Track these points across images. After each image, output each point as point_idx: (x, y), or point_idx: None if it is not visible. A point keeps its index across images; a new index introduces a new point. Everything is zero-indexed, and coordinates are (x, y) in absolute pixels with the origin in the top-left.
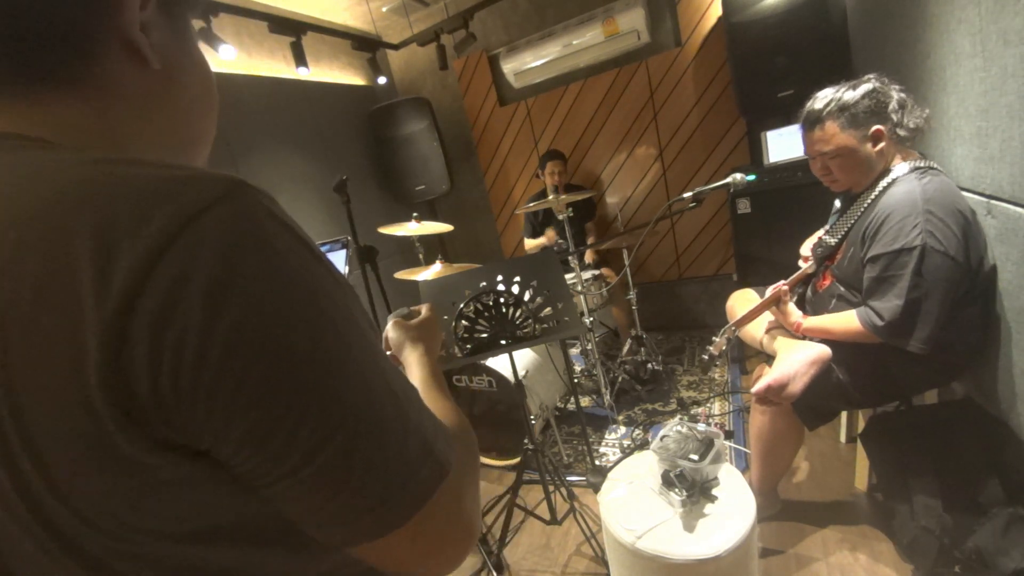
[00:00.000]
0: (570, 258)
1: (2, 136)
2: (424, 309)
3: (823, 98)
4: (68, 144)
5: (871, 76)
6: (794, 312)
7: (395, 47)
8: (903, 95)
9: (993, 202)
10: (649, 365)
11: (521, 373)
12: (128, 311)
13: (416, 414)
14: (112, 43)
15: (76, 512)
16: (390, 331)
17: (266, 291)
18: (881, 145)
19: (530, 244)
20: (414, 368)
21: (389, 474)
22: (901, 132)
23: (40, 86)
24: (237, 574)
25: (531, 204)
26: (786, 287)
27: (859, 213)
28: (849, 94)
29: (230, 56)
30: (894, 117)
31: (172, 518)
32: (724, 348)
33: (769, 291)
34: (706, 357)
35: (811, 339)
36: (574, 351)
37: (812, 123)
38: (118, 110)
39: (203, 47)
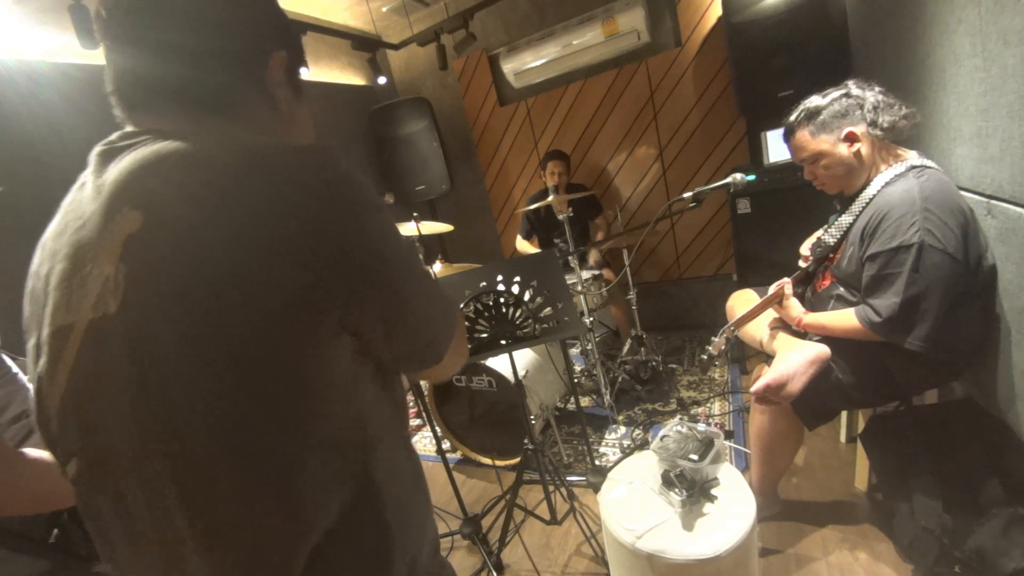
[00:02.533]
0: (570, 259)
1: (180, 130)
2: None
3: (796, 108)
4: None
5: (849, 82)
6: (796, 307)
7: (395, 47)
8: (880, 96)
9: (993, 202)
10: (649, 365)
11: (521, 373)
12: (310, 228)
13: (441, 290)
14: (256, 90)
15: (257, 344)
16: None
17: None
18: (858, 146)
19: (521, 246)
20: None
21: (450, 315)
22: (876, 131)
23: (218, 106)
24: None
25: (531, 204)
26: (789, 282)
27: (857, 213)
28: (817, 101)
29: None
30: (868, 117)
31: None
32: (724, 348)
33: (772, 288)
34: (705, 357)
35: (811, 337)
36: (574, 351)
37: (787, 133)
38: (256, 132)
39: None
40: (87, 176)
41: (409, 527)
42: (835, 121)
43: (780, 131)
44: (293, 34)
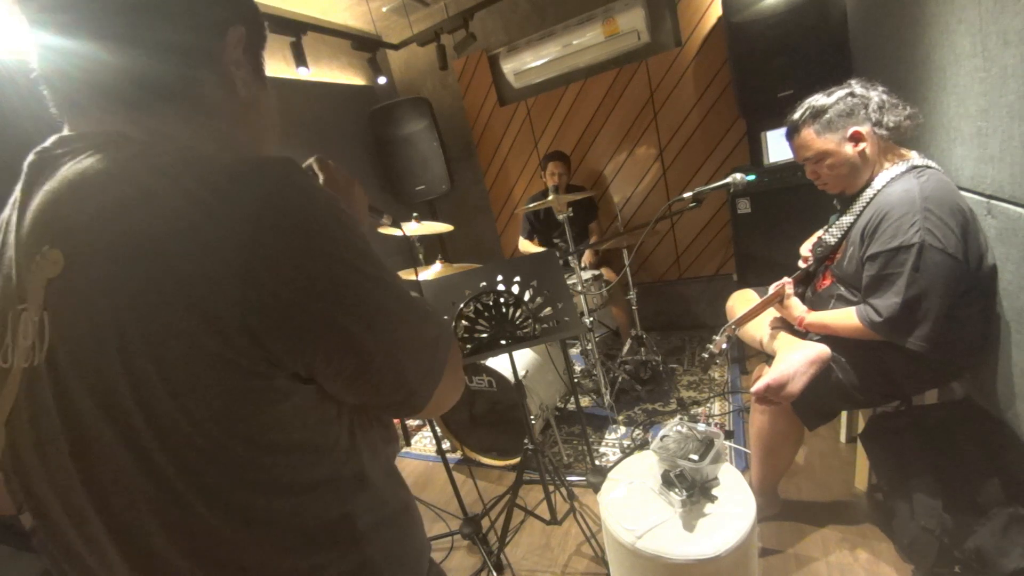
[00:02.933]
0: (570, 259)
1: (116, 134)
2: (318, 166)
3: (801, 107)
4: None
5: (853, 80)
6: (797, 306)
7: (395, 47)
8: (884, 96)
9: (993, 202)
10: (649, 365)
11: (521, 373)
12: (248, 255)
13: (428, 314)
14: (213, 72)
15: (184, 411)
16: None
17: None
18: (863, 146)
19: (524, 246)
20: None
21: (436, 352)
22: (880, 131)
23: (163, 101)
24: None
25: (531, 204)
26: (790, 281)
27: (857, 212)
28: (823, 100)
29: None
30: (873, 117)
31: (260, 424)
32: (724, 347)
33: (772, 288)
34: (705, 356)
35: (812, 336)
36: (574, 351)
37: (791, 132)
38: (207, 126)
39: None
40: (17, 193)
41: (400, 569)
42: (840, 120)
43: (780, 131)
44: (251, 6)
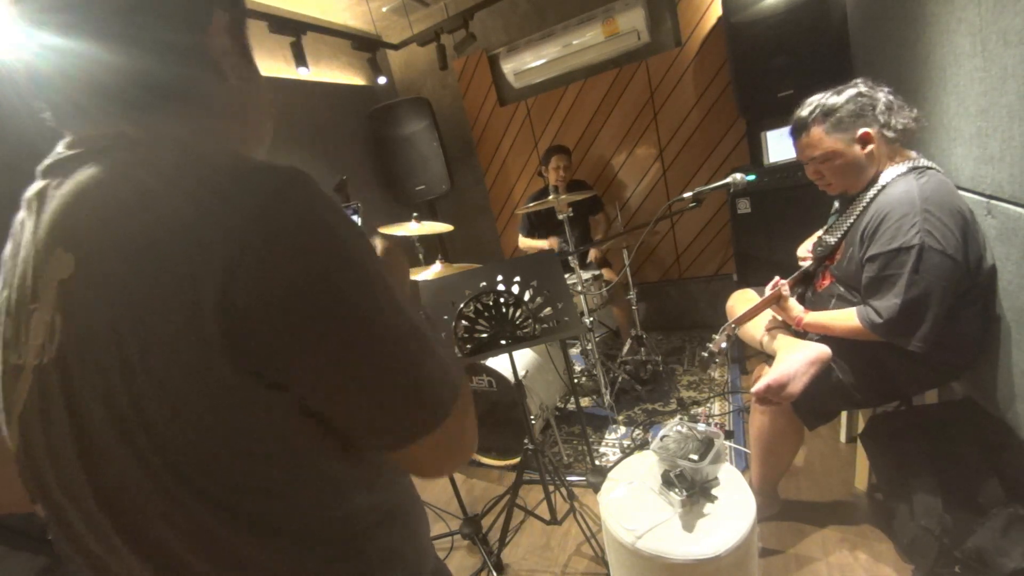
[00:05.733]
0: (570, 259)
1: (119, 136)
2: (380, 242)
3: (809, 104)
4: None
5: (858, 80)
6: (796, 307)
7: (395, 47)
8: (891, 97)
9: (993, 202)
10: (649, 365)
11: (521, 373)
12: (231, 271)
13: (434, 347)
14: (200, 63)
15: (177, 420)
16: None
17: (328, 259)
18: (870, 147)
19: (525, 243)
20: None
21: (422, 396)
22: (888, 133)
23: (149, 98)
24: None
25: (531, 204)
26: (785, 284)
27: (857, 213)
28: (833, 99)
29: None
30: (881, 119)
31: (245, 437)
32: (724, 346)
33: (769, 288)
34: (705, 355)
35: (811, 337)
36: (574, 351)
37: (799, 130)
38: (203, 118)
39: None
40: (31, 197)
41: (404, 568)
42: (851, 120)
43: (780, 131)
44: None
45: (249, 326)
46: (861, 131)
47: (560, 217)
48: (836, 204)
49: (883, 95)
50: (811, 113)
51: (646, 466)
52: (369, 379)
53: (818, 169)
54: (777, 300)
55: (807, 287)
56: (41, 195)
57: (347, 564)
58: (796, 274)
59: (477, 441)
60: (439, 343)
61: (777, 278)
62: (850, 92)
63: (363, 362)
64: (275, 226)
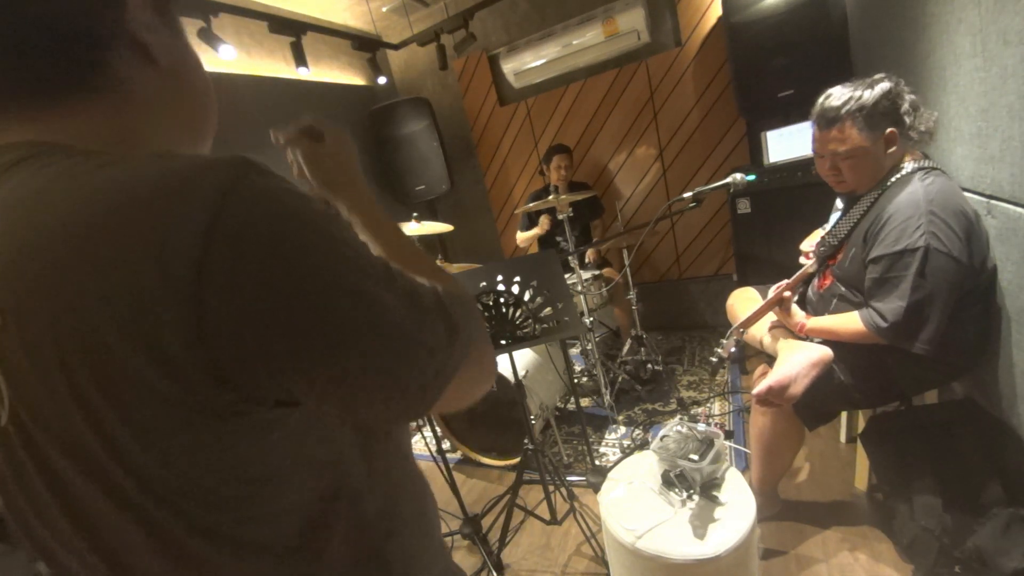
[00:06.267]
0: (570, 258)
1: (25, 146)
2: (316, 123)
3: (840, 96)
4: (92, 149)
5: (883, 75)
6: (797, 313)
7: (395, 47)
8: (914, 97)
9: (993, 202)
10: (649, 365)
11: (521, 373)
12: (196, 281)
13: (429, 321)
14: (122, 46)
15: (163, 463)
16: (307, 166)
17: (293, 249)
18: (893, 148)
19: (522, 237)
20: (368, 216)
21: (432, 363)
22: (913, 135)
23: (63, 95)
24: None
25: (531, 203)
26: (788, 292)
27: (861, 213)
28: (868, 93)
29: (230, 56)
30: (907, 120)
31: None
32: (733, 350)
33: (772, 291)
34: (714, 360)
35: (813, 340)
36: (574, 351)
37: (830, 121)
38: (132, 112)
39: (204, 47)
40: None
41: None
42: (881, 119)
43: (778, 131)
44: None
45: (238, 348)
46: (888, 130)
47: (560, 217)
48: (837, 203)
49: (908, 95)
50: (844, 105)
51: (646, 466)
52: (383, 358)
53: (837, 165)
54: (780, 303)
55: (808, 287)
56: None
57: (363, 566)
58: (797, 276)
59: (495, 366)
60: (429, 313)
61: (783, 283)
62: (883, 87)
63: (371, 344)
64: (237, 232)
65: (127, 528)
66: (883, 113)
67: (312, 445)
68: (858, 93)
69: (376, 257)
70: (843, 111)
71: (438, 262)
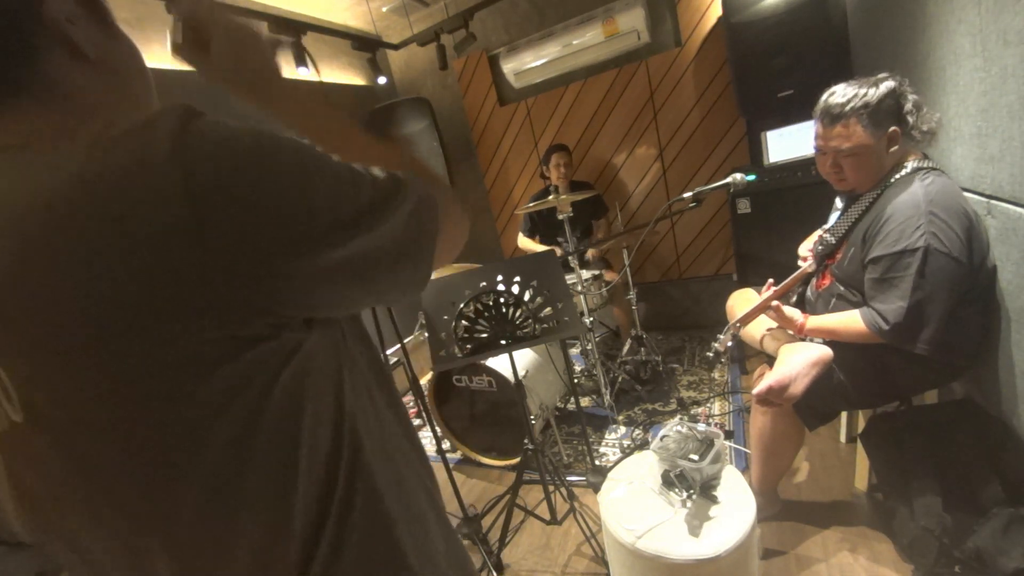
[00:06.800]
0: (570, 258)
1: None
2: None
3: (845, 94)
4: (40, 145)
5: (887, 74)
6: (794, 314)
7: (395, 47)
8: (917, 97)
9: (993, 202)
10: (649, 365)
11: (521, 373)
12: (191, 217)
13: (399, 190)
14: (47, 41)
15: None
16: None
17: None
18: (895, 147)
19: (524, 244)
20: (302, 104)
21: (419, 231)
22: (915, 134)
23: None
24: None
25: (532, 204)
26: (776, 302)
27: (860, 213)
28: (873, 91)
29: None
30: (909, 119)
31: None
32: (730, 345)
33: (764, 289)
34: (711, 354)
35: (814, 339)
36: (574, 351)
37: (834, 118)
38: (69, 107)
39: None
40: None
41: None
42: (885, 117)
43: (778, 131)
44: None
45: (247, 258)
46: (891, 129)
47: (561, 217)
48: (837, 203)
49: (911, 94)
50: (849, 102)
51: (646, 466)
52: (382, 240)
53: (839, 162)
54: (768, 307)
55: (807, 286)
56: None
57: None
58: (788, 280)
59: (467, 218)
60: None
61: (771, 281)
62: (887, 85)
63: (365, 235)
64: (210, 175)
65: (172, 496)
66: (887, 111)
67: (323, 374)
68: (863, 91)
69: (332, 162)
70: (848, 108)
71: None
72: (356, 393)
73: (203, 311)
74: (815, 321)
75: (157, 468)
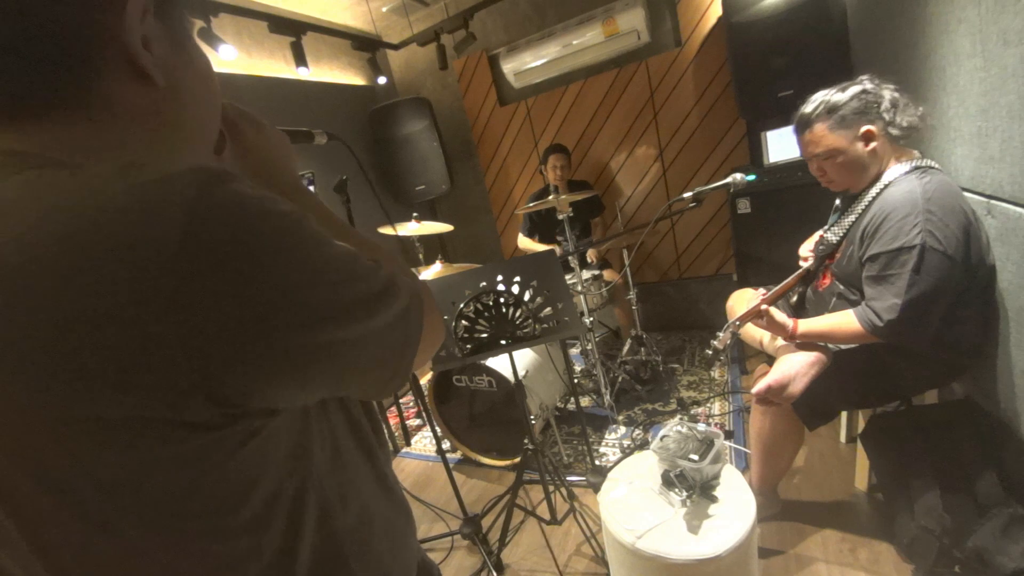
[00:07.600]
0: (570, 258)
1: (24, 155)
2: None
3: (813, 101)
4: (80, 163)
5: (864, 77)
6: (784, 321)
7: (395, 47)
8: (896, 94)
9: (993, 202)
10: (649, 365)
11: (521, 373)
12: (174, 297)
13: (390, 288)
14: (116, 63)
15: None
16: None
17: (263, 255)
18: (873, 145)
19: (525, 243)
20: (305, 201)
21: (402, 336)
22: (893, 131)
23: (49, 107)
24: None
25: (531, 204)
26: (765, 306)
27: (858, 212)
28: (837, 96)
29: (230, 56)
30: (886, 116)
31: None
32: (729, 343)
33: (757, 296)
34: (710, 352)
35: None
36: (574, 351)
37: (803, 126)
38: (126, 128)
39: (204, 47)
40: None
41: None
42: (854, 118)
43: (780, 131)
44: None
45: (226, 356)
46: (864, 128)
47: (560, 217)
48: (837, 203)
49: (888, 92)
50: (815, 110)
51: (646, 466)
52: (365, 340)
53: (821, 166)
54: (758, 315)
55: (807, 287)
56: None
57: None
58: (782, 284)
59: (443, 325)
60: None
61: (763, 290)
62: (854, 89)
63: (348, 336)
64: (210, 250)
65: (101, 550)
66: (855, 112)
67: (284, 446)
68: (828, 96)
69: (339, 247)
70: (813, 115)
71: (438, 262)
72: (322, 451)
73: (152, 388)
74: (806, 325)
75: (86, 520)
